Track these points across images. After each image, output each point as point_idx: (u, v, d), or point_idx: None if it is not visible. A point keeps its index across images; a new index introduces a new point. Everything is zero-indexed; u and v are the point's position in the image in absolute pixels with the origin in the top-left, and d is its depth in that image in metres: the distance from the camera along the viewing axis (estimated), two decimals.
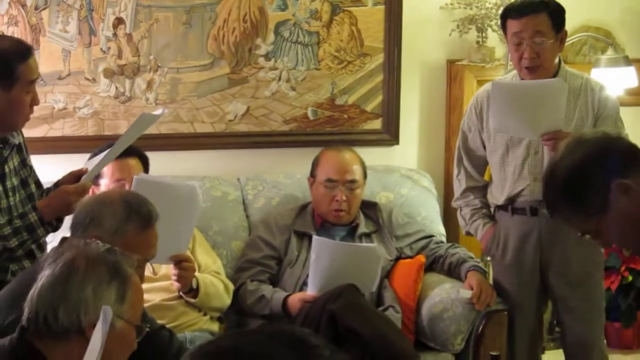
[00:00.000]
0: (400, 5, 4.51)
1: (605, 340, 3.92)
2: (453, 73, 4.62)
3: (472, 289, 3.82)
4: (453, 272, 4.03)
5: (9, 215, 3.08)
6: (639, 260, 4.74)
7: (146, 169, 3.78)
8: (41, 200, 3.16)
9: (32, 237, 3.06)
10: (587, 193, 2.24)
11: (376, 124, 4.60)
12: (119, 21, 4.25)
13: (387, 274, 4.02)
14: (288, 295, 3.80)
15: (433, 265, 4.13)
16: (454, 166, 4.00)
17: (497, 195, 3.83)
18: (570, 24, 3.70)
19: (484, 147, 3.84)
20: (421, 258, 4.09)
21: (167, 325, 3.25)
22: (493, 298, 3.82)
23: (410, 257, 4.12)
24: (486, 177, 3.98)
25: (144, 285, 2.82)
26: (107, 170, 3.69)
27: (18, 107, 3.06)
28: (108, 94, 4.28)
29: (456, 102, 4.61)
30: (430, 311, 3.92)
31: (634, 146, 2.33)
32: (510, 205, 3.78)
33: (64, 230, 3.06)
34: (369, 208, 4.14)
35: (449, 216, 4.59)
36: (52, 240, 3.27)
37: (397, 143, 4.64)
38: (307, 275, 3.80)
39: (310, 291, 3.72)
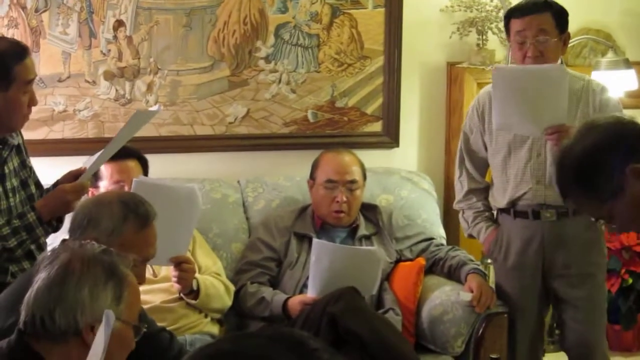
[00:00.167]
0: (401, 8, 4.51)
1: (607, 343, 3.91)
2: (453, 75, 4.62)
3: (472, 291, 3.82)
4: (453, 274, 4.03)
5: (9, 217, 3.08)
6: (639, 263, 4.74)
7: (145, 171, 3.78)
8: (39, 200, 3.16)
9: (31, 237, 3.07)
10: (600, 178, 2.23)
11: (376, 127, 4.60)
12: (119, 23, 4.25)
13: (387, 277, 4.02)
14: (288, 298, 3.80)
15: (433, 267, 4.13)
16: (455, 168, 3.99)
17: (498, 199, 3.82)
18: (570, 26, 3.70)
19: (486, 148, 3.84)
20: (421, 260, 4.09)
21: (167, 328, 3.25)
22: (493, 301, 3.82)
23: (411, 260, 4.11)
24: (487, 179, 3.98)
25: (145, 287, 2.83)
26: (106, 172, 3.70)
27: (15, 108, 3.07)
28: (108, 97, 4.28)
29: (456, 104, 4.60)
30: (430, 314, 3.92)
31: None
32: (512, 208, 3.77)
33: (65, 233, 3.06)
34: (369, 210, 4.14)
35: (449, 219, 4.59)
36: (53, 243, 3.27)
37: (397, 145, 4.64)
38: (307, 278, 3.80)
39: (311, 294, 3.72)
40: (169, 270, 3.63)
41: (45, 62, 4.17)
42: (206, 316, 3.79)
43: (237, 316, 3.95)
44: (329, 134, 4.54)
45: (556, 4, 3.64)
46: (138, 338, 2.17)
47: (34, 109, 3.19)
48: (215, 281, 3.80)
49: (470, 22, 4.51)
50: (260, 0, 4.38)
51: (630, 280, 4.69)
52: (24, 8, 4.13)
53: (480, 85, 4.48)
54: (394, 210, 4.24)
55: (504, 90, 3.55)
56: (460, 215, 4.01)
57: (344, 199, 3.97)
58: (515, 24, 3.61)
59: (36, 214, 3.07)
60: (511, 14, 3.66)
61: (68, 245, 2.21)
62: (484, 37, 4.53)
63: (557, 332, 4.11)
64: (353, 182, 4.01)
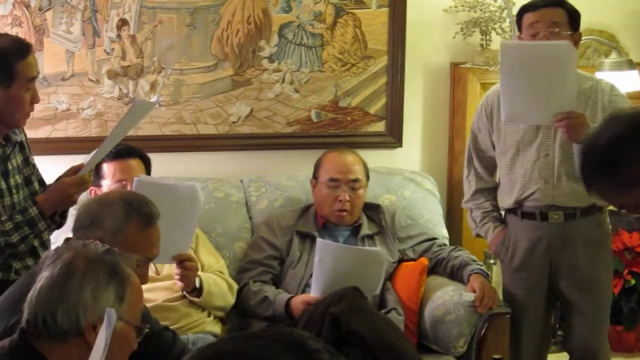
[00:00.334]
0: (404, 8, 4.51)
1: (609, 344, 3.91)
2: (457, 76, 4.62)
3: (474, 292, 3.82)
4: (456, 275, 4.03)
5: (12, 213, 3.09)
6: None
7: (148, 170, 3.78)
8: (41, 194, 3.17)
9: (33, 232, 3.08)
10: (624, 167, 2.23)
11: (379, 127, 4.60)
12: (123, 22, 4.25)
13: (390, 277, 4.02)
14: (291, 297, 3.80)
15: (436, 268, 4.13)
16: (464, 167, 3.97)
17: (505, 199, 3.81)
18: None
19: (494, 148, 3.83)
20: (424, 261, 4.09)
21: (170, 327, 3.25)
22: (495, 301, 3.81)
23: (413, 260, 4.11)
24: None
25: (147, 285, 2.83)
26: (108, 171, 3.70)
27: (18, 105, 3.08)
28: (111, 95, 4.29)
29: (459, 104, 4.60)
30: (432, 314, 3.91)
31: None
32: (520, 209, 3.77)
33: (68, 231, 3.06)
34: (372, 210, 4.14)
35: (451, 219, 4.59)
36: (56, 241, 3.27)
37: (401, 145, 4.64)
38: (310, 277, 3.81)
39: (314, 293, 3.72)
40: (171, 268, 3.64)
41: (48, 61, 4.18)
42: (209, 315, 3.79)
43: (240, 315, 3.95)
44: (332, 133, 4.54)
45: (569, 3, 3.64)
46: (140, 338, 2.17)
47: (37, 107, 3.20)
48: (218, 279, 3.80)
49: (473, 23, 4.51)
50: (264, 0, 4.38)
51: (633, 281, 4.69)
52: (27, 6, 4.14)
53: (483, 86, 4.48)
54: (396, 210, 4.24)
55: (512, 67, 3.49)
56: (468, 214, 4.00)
57: (347, 197, 3.98)
58: (528, 18, 3.61)
59: (38, 208, 3.08)
60: (525, 9, 3.65)
61: (71, 245, 2.22)
62: (488, 37, 4.53)
63: (559, 332, 4.10)
64: (356, 180, 4.01)
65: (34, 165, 3.31)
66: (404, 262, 4.10)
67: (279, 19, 4.42)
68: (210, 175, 4.30)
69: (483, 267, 4.02)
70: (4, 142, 3.15)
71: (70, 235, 2.78)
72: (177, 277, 3.59)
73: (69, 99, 4.25)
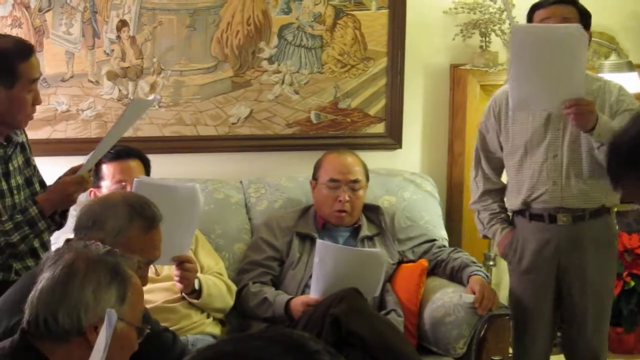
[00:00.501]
0: (404, 9, 4.51)
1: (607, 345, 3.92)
2: (456, 77, 4.62)
3: (474, 293, 3.82)
4: (455, 276, 4.03)
5: (12, 213, 3.09)
6: None
7: (147, 171, 3.78)
8: (41, 194, 3.17)
9: (33, 231, 3.08)
10: None
11: (379, 128, 4.60)
12: (123, 24, 4.25)
13: (390, 278, 4.02)
14: (291, 299, 3.80)
15: (435, 269, 4.13)
16: (471, 168, 3.96)
17: (512, 200, 3.80)
18: None
19: (502, 149, 3.82)
20: (423, 262, 4.09)
21: (170, 329, 3.25)
22: (495, 303, 3.81)
23: (413, 261, 4.11)
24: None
25: (147, 286, 2.83)
26: (108, 172, 3.70)
27: (20, 106, 3.08)
28: (111, 97, 4.29)
29: (459, 106, 4.60)
30: (432, 315, 3.91)
31: None
32: (528, 210, 3.76)
33: (69, 232, 3.06)
34: (372, 211, 4.14)
35: (451, 220, 4.59)
36: (56, 242, 3.27)
37: (400, 147, 4.64)
38: (310, 278, 3.80)
39: (313, 294, 3.72)
40: (171, 270, 3.63)
41: (48, 62, 4.18)
42: (208, 316, 3.79)
43: (240, 316, 3.95)
44: (332, 135, 4.54)
45: (579, 3, 3.64)
46: (141, 339, 2.17)
47: (37, 108, 3.20)
48: (217, 281, 3.80)
49: (473, 24, 4.51)
50: (263, 1, 4.38)
51: (632, 283, 4.69)
52: (27, 8, 4.14)
53: (483, 87, 4.48)
54: (396, 211, 4.24)
55: (522, 50, 3.46)
56: (475, 216, 3.98)
57: (347, 198, 3.98)
58: (540, 14, 3.60)
59: (38, 207, 3.09)
60: (536, 7, 3.64)
61: (72, 246, 2.22)
62: (487, 39, 4.53)
63: (558, 334, 4.10)
64: (356, 181, 4.02)
65: (34, 167, 3.31)
66: (404, 264, 4.09)
67: (278, 20, 4.42)
68: (209, 177, 4.30)
69: (482, 269, 4.02)
70: (5, 143, 3.15)
71: (71, 236, 2.79)
72: (177, 278, 3.59)
73: (68, 100, 4.25)
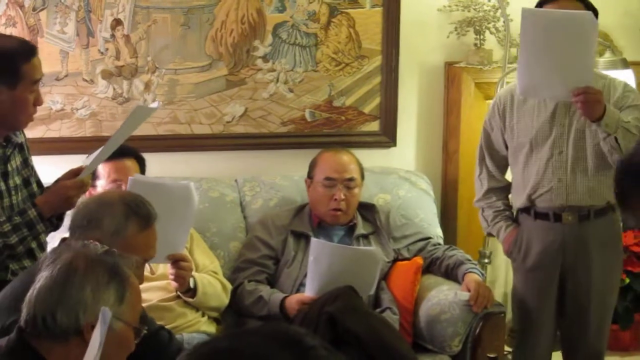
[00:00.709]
0: (398, 7, 4.50)
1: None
2: (451, 75, 4.62)
3: (469, 291, 3.82)
4: (450, 274, 4.03)
5: (10, 214, 3.09)
6: (637, 263, 4.74)
7: (142, 169, 3.78)
8: (40, 196, 3.17)
9: (32, 234, 3.07)
10: None
11: (374, 126, 4.60)
12: (117, 22, 4.24)
13: (385, 276, 4.02)
14: (286, 297, 3.80)
15: (430, 267, 4.13)
16: (475, 165, 3.95)
17: (517, 198, 3.80)
18: None
19: (506, 147, 3.81)
20: (419, 260, 4.09)
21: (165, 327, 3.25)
22: (490, 300, 3.82)
23: (408, 259, 4.11)
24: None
25: (142, 285, 2.82)
26: (103, 171, 3.70)
27: (22, 107, 3.08)
28: (106, 95, 4.28)
29: (454, 104, 4.60)
30: (427, 313, 3.91)
31: None
32: (533, 209, 3.75)
33: (64, 231, 3.06)
34: (367, 209, 4.14)
35: (446, 218, 4.59)
36: (52, 242, 3.27)
37: (395, 145, 4.64)
38: (305, 276, 3.81)
39: (308, 293, 3.72)
40: (166, 268, 3.63)
41: (43, 61, 4.08)
42: (203, 315, 3.79)
43: (235, 315, 3.95)
44: (327, 133, 4.54)
45: (589, 2, 3.62)
46: (138, 340, 2.17)
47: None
48: (212, 279, 3.80)
49: (467, 22, 4.51)
50: (258, 0, 4.37)
51: (628, 280, 4.70)
52: (21, 6, 4.13)
53: (478, 85, 4.48)
54: (391, 209, 4.24)
55: (532, 35, 3.43)
56: (479, 213, 3.97)
57: (342, 196, 3.98)
58: (548, 9, 3.58)
59: (37, 210, 3.08)
60: (544, 1, 3.61)
61: (70, 245, 2.22)
62: (482, 36, 4.53)
63: (557, 333, 4.09)
64: (351, 180, 4.02)
65: (32, 167, 3.30)
66: (399, 262, 4.10)
67: (273, 18, 4.42)
68: (204, 175, 4.30)
69: (478, 267, 4.02)
70: (4, 144, 3.15)
71: (67, 235, 2.78)
72: (172, 277, 3.58)
73: (63, 99, 4.25)
